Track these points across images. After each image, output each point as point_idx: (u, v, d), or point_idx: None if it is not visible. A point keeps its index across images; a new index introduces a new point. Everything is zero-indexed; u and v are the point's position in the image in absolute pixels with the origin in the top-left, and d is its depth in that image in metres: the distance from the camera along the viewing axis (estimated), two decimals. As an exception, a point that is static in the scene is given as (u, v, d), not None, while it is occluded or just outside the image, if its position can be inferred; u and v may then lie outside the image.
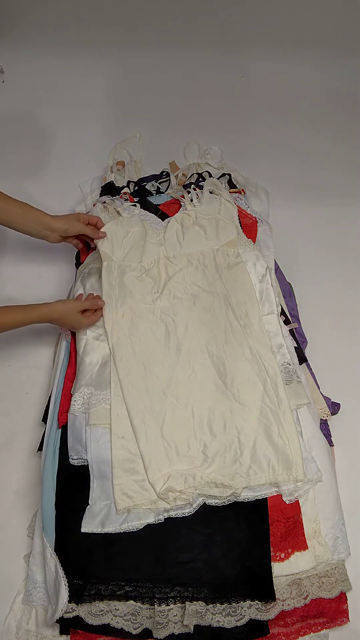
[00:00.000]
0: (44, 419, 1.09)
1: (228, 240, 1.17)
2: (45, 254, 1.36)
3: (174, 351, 1.06)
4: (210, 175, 1.36)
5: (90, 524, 0.94)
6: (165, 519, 0.94)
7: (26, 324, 1.02)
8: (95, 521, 0.94)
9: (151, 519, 0.94)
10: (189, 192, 1.26)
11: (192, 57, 1.70)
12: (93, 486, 0.96)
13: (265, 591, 0.91)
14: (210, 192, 1.26)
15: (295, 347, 1.13)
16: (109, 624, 0.90)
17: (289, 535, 0.95)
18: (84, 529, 0.93)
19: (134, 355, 1.05)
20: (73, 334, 1.12)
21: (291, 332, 1.16)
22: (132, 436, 0.98)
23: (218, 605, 0.90)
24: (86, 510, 0.95)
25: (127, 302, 1.10)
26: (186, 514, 0.94)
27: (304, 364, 1.14)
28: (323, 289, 1.34)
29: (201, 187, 1.27)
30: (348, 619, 0.96)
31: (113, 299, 1.11)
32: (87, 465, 0.97)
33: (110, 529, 0.93)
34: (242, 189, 1.35)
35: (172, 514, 0.94)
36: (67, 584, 0.90)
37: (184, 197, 1.24)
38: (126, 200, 1.26)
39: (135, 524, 0.93)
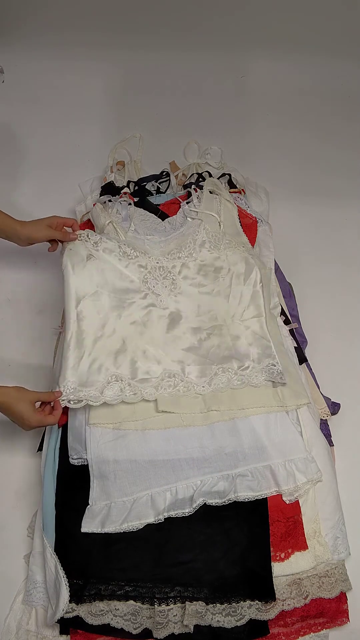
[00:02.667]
0: (44, 419, 1.09)
1: None
2: (45, 254, 1.36)
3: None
4: (210, 175, 1.36)
5: (90, 524, 0.94)
6: (165, 518, 0.94)
7: None
8: (95, 521, 0.94)
9: (151, 519, 0.94)
10: (189, 193, 1.26)
11: (192, 57, 1.70)
12: (93, 486, 0.96)
13: (265, 591, 0.91)
14: (210, 192, 1.26)
15: (295, 347, 1.13)
16: (109, 624, 0.90)
17: (289, 535, 0.95)
18: (84, 529, 0.93)
19: None
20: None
21: (291, 332, 1.16)
22: None
23: (218, 605, 0.90)
24: (86, 510, 0.95)
25: None
26: (186, 514, 0.94)
27: (304, 364, 1.14)
28: (323, 289, 1.34)
29: (201, 187, 1.27)
30: (348, 619, 0.96)
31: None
32: (87, 465, 0.98)
33: (110, 529, 0.93)
34: (242, 189, 1.35)
35: (172, 513, 0.94)
36: (67, 584, 0.90)
37: (185, 198, 1.25)
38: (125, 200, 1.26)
39: (135, 523, 0.93)
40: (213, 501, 0.95)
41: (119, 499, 0.95)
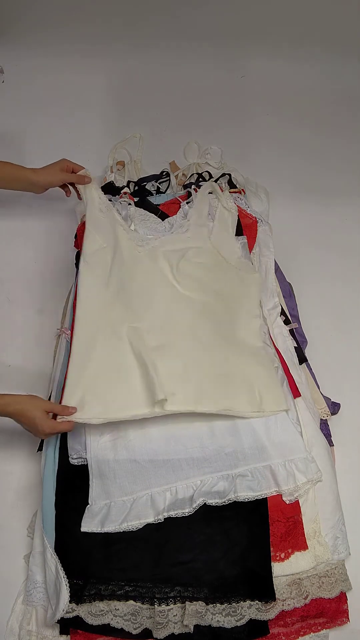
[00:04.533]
0: (44, 419, 1.09)
1: None
2: (46, 254, 1.36)
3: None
4: (211, 176, 1.36)
5: (89, 524, 0.94)
6: (165, 518, 0.94)
7: None
8: (94, 521, 0.94)
9: (151, 519, 0.94)
10: (189, 193, 1.26)
11: (192, 56, 1.70)
12: (92, 485, 0.96)
13: (265, 591, 0.91)
14: (210, 193, 1.26)
15: (295, 347, 1.13)
16: (109, 624, 0.90)
17: (289, 535, 0.95)
18: (83, 529, 0.93)
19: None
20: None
21: (291, 332, 1.16)
22: None
23: (218, 605, 0.90)
24: (86, 510, 0.95)
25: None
26: (186, 514, 0.94)
27: (304, 364, 1.14)
28: (323, 289, 1.33)
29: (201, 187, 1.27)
30: (348, 619, 0.96)
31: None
32: (87, 464, 0.98)
33: (109, 528, 0.93)
34: (242, 189, 1.35)
35: (172, 513, 0.94)
36: (68, 585, 0.90)
37: (185, 198, 1.25)
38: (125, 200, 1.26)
39: (134, 523, 0.93)
40: (213, 501, 0.95)
41: (119, 498, 0.95)
